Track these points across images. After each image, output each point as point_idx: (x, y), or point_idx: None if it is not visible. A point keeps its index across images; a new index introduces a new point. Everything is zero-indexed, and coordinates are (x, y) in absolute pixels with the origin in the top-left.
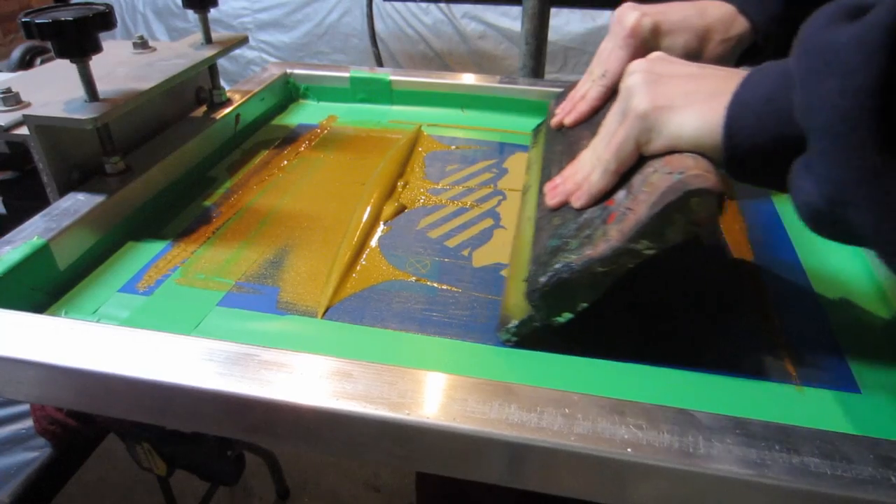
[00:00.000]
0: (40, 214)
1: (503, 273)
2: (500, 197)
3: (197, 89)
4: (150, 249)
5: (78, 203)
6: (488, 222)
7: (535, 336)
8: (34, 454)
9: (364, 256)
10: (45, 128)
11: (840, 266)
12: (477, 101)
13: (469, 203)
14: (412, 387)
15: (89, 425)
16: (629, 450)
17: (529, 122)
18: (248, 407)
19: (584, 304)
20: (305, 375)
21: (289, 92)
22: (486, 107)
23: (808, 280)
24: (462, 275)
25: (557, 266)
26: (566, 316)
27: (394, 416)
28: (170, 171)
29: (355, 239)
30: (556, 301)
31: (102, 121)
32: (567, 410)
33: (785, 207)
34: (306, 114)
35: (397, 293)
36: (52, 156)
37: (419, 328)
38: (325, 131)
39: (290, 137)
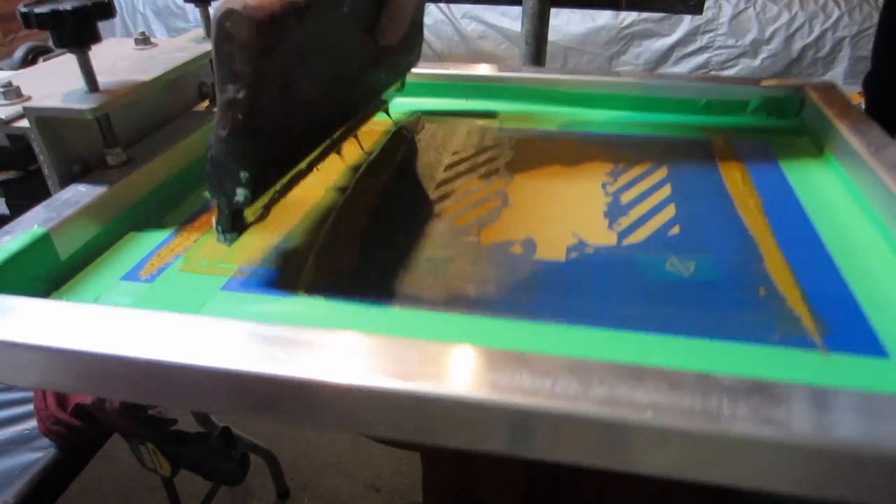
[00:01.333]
0: (41, 205)
1: (512, 250)
2: (508, 179)
3: (199, 84)
4: (153, 239)
5: (79, 194)
6: (496, 202)
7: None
8: (38, 455)
9: None
10: (45, 119)
11: (857, 234)
12: (480, 90)
13: (476, 185)
14: (419, 357)
15: (94, 425)
16: (649, 413)
17: (534, 108)
18: (254, 383)
19: (245, 174)
20: (311, 350)
21: None
22: (489, 95)
23: (826, 249)
24: (469, 254)
25: (206, 155)
26: (242, 193)
27: (402, 387)
28: (172, 163)
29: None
30: (222, 182)
31: (102, 110)
32: (582, 377)
33: (797, 179)
34: None
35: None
36: (53, 148)
37: (423, 304)
38: None
39: None
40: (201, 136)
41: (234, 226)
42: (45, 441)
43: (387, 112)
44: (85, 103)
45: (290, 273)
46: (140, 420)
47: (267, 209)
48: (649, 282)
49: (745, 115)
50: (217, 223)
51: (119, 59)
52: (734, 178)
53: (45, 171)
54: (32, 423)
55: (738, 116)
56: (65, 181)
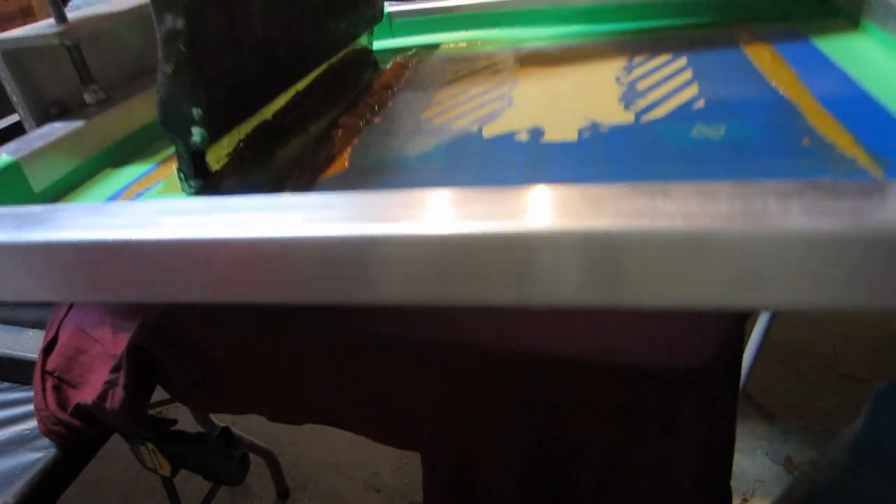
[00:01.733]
0: (14, 140)
1: (517, 138)
2: (512, 84)
3: None
4: (134, 171)
5: (54, 130)
6: (499, 103)
7: (215, 174)
8: (39, 455)
9: None
10: (13, 53)
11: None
12: (480, 20)
13: (477, 92)
14: (406, 202)
15: (94, 425)
16: (679, 220)
17: (537, 29)
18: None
19: (198, 111)
20: (286, 213)
21: None
22: (488, 24)
23: (876, 100)
24: (471, 146)
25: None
26: (197, 132)
27: (396, 231)
28: (155, 106)
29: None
30: (174, 122)
31: (69, 36)
32: (593, 202)
33: (834, 50)
34: None
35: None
36: (26, 87)
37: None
38: None
39: None
40: None
41: (196, 171)
42: (46, 441)
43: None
44: (51, 30)
45: (276, 178)
46: (140, 420)
47: (233, 157)
48: (675, 147)
49: (769, 7)
50: (179, 170)
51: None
52: (762, 57)
53: (21, 114)
54: (33, 423)
55: (762, 7)
56: (41, 124)
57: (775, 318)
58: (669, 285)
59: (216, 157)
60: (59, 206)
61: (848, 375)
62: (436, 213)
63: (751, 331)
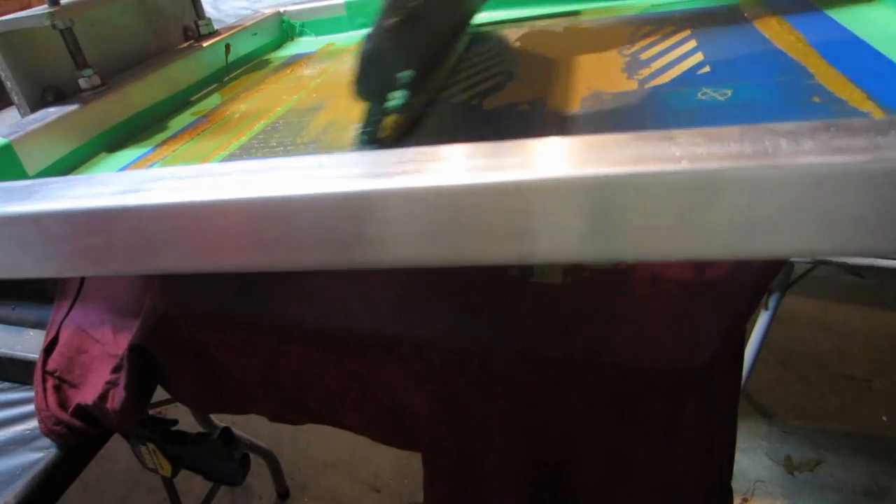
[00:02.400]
0: (8, 125)
1: (518, 109)
2: (513, 60)
3: (184, 28)
4: (129, 154)
5: (48, 114)
6: (499, 79)
7: (392, 134)
8: (39, 455)
9: None
10: (6, 37)
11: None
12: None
13: (474, 70)
14: (401, 158)
15: (94, 426)
16: (685, 163)
17: (540, 10)
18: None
19: (407, 73)
20: (277, 173)
21: (284, 31)
22: (489, 5)
23: (882, 53)
24: (470, 117)
25: (362, 49)
26: (400, 94)
27: (393, 185)
28: (152, 92)
29: None
30: (376, 80)
31: (61, 16)
32: (595, 149)
33: (846, 17)
34: (303, 46)
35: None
36: (20, 71)
37: None
38: (323, 54)
39: (286, 63)
40: (183, 67)
41: (378, 135)
42: (46, 441)
43: None
44: (43, 11)
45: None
46: (141, 420)
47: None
48: (680, 109)
49: None
50: (363, 131)
51: None
52: (769, 25)
53: (15, 99)
54: (33, 424)
55: None
56: (36, 110)
57: (775, 317)
58: (676, 234)
59: (384, 126)
60: (48, 179)
61: (848, 375)
62: (432, 166)
63: (751, 331)
